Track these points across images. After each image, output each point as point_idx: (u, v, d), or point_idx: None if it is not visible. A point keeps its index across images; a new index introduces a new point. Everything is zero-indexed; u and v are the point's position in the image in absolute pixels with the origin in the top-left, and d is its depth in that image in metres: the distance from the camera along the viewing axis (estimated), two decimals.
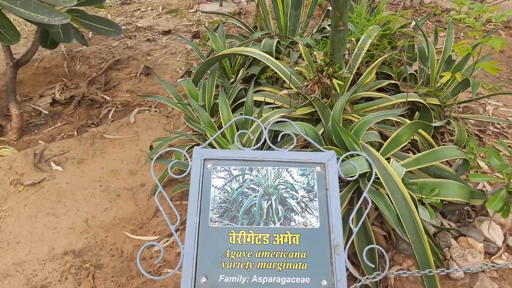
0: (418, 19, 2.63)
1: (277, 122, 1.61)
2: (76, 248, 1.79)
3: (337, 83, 1.59)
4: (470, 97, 2.05)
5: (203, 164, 1.26)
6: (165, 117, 2.77)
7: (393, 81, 2.05)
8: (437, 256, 1.49)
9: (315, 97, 1.67)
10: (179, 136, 2.06)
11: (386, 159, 1.58)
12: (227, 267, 1.13)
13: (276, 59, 2.45)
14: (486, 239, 1.64)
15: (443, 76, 2.04)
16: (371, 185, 1.51)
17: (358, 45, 1.84)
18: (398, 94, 1.93)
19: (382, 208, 1.35)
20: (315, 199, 1.23)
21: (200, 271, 1.12)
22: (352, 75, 1.81)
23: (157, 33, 4.28)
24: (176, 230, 1.81)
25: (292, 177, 1.27)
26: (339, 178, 1.27)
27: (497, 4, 4.96)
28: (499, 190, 1.35)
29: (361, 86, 1.86)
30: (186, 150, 1.96)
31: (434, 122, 2.13)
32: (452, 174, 1.61)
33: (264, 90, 2.14)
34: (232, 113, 2.13)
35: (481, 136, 2.46)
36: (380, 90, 2.25)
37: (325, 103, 1.73)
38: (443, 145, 2.31)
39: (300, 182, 1.26)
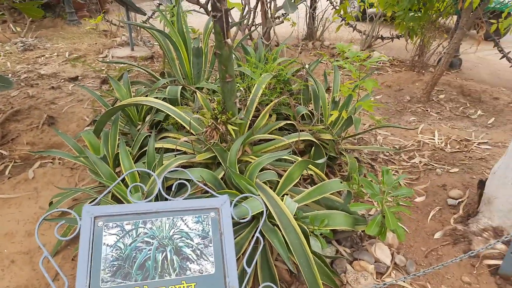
0: (309, 65, 2.93)
1: (179, 167, 1.65)
2: None
3: (232, 129, 1.70)
4: (354, 132, 2.30)
5: (93, 222, 1.24)
6: (69, 169, 2.64)
7: (290, 121, 2.23)
8: (334, 283, 1.60)
9: (214, 142, 1.75)
10: (77, 191, 1.98)
11: (284, 195, 1.70)
12: None
13: (181, 105, 2.53)
14: (376, 260, 1.82)
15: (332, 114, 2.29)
16: (270, 222, 1.61)
17: (252, 92, 1.99)
18: (294, 133, 2.10)
19: (275, 245, 1.44)
20: (210, 244, 1.28)
21: None
22: (249, 119, 1.94)
23: (62, 80, 4.12)
24: None
25: (187, 225, 1.30)
26: (235, 221, 1.33)
27: (383, 44, 5.68)
28: (375, 216, 1.52)
29: (258, 128, 2.00)
30: (89, 203, 1.88)
31: (327, 155, 2.35)
32: (341, 204, 1.78)
33: (169, 137, 2.17)
34: (137, 161, 2.12)
35: (373, 164, 2.76)
36: (281, 129, 2.44)
37: (225, 147, 1.82)
38: (341, 175, 2.54)
39: (195, 229, 1.30)
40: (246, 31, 4.51)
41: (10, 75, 4.17)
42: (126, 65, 4.19)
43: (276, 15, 4.76)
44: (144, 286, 1.17)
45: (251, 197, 1.45)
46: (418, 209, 2.34)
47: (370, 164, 2.75)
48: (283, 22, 4.72)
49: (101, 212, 1.26)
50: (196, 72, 2.63)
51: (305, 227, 1.56)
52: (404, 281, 1.75)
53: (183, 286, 1.19)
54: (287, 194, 1.72)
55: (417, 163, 2.80)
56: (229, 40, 1.41)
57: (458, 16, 4.44)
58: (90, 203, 1.88)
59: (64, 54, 4.91)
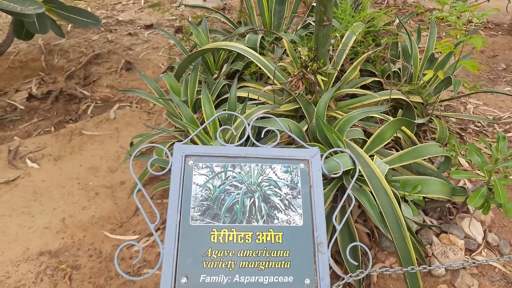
0: (402, 18, 2.65)
1: (261, 118, 1.58)
2: (52, 249, 1.72)
3: (322, 79, 1.57)
4: (452, 96, 2.06)
5: (184, 160, 1.22)
6: (147, 113, 2.70)
7: (377, 79, 2.05)
8: (419, 253, 1.49)
9: (299, 93, 1.65)
10: (160, 132, 2.01)
11: (370, 156, 1.57)
12: (209, 266, 1.10)
13: (260, 54, 2.43)
14: (467, 236, 1.66)
15: (425, 74, 2.06)
16: (355, 182, 1.50)
17: (342, 42, 1.83)
18: (382, 91, 1.93)
19: (366, 206, 1.34)
20: (299, 196, 1.21)
21: (181, 271, 1.08)
22: (337, 71, 1.80)
23: (138, 27, 4.18)
24: (157, 230, 1.77)
25: (276, 174, 1.24)
26: (323, 175, 1.25)
27: (477, 3, 5.06)
28: (480, 187, 1.36)
29: (345, 83, 1.85)
30: (167, 147, 1.91)
31: (417, 119, 2.15)
32: (434, 171, 1.61)
33: (248, 86, 2.10)
34: (215, 109, 2.09)
35: (462, 134, 2.50)
36: (364, 87, 2.25)
37: (310, 99, 1.71)
38: (426, 142, 2.33)
39: (283, 179, 1.24)
40: None
41: None
42: (201, 13, 4.13)
43: None
44: (232, 229, 1.15)
45: (341, 152, 1.35)
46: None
47: (459, 134, 2.49)
48: None
49: (192, 152, 1.24)
50: (277, 22, 2.49)
51: (396, 191, 1.43)
52: (497, 262, 1.58)
53: (271, 234, 1.15)
54: (374, 156, 1.59)
55: None
56: None
57: None
58: (169, 147, 1.90)
59: (140, 1, 4.96)
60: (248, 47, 2.20)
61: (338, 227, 1.17)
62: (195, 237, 1.12)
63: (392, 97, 1.82)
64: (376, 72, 2.26)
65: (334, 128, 1.52)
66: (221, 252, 1.12)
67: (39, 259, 1.68)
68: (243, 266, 1.11)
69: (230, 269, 1.10)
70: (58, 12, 1.93)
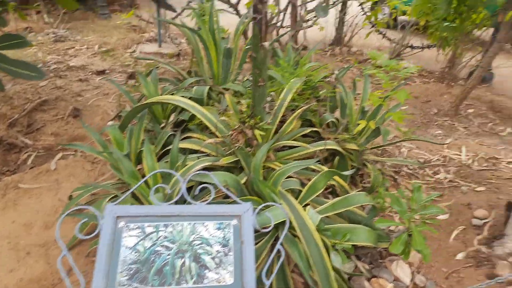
0: (340, 70, 2.87)
1: (203, 170, 1.63)
2: None
3: (259, 134, 1.66)
4: (380, 144, 2.23)
5: (116, 222, 1.23)
6: (91, 163, 2.66)
7: (315, 129, 2.19)
8: None
9: (239, 146, 1.72)
10: (97, 187, 1.99)
11: (305, 205, 1.65)
12: None
13: (207, 105, 2.51)
14: (396, 278, 1.75)
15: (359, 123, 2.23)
16: (291, 232, 1.56)
17: (281, 97, 1.96)
18: (320, 141, 2.05)
19: (295, 257, 1.40)
20: (230, 253, 1.25)
21: None
22: (275, 125, 1.91)
23: (90, 73, 4.18)
24: None
25: (208, 232, 1.27)
26: (256, 229, 1.30)
27: (412, 54, 5.55)
28: (401, 234, 1.46)
29: (283, 134, 1.96)
30: (108, 199, 1.89)
31: (352, 166, 2.29)
32: (364, 218, 1.72)
33: (193, 137, 2.16)
34: (159, 160, 2.11)
35: (396, 177, 2.67)
36: (305, 136, 2.39)
37: (249, 151, 1.79)
38: (362, 186, 2.47)
39: (216, 236, 1.27)
40: (275, 34, 4.48)
41: (40, 65, 4.27)
42: (153, 61, 4.21)
43: (306, 18, 4.70)
44: None
45: (274, 205, 1.41)
46: (441, 227, 2.25)
47: (393, 177, 2.66)
48: (312, 26, 4.66)
49: (124, 212, 1.24)
50: (224, 73, 2.61)
51: (327, 241, 1.51)
52: None
53: None
54: (309, 205, 1.68)
55: (441, 179, 2.70)
56: (266, 44, 1.38)
57: (495, 29, 4.28)
58: (109, 200, 1.88)
59: (93, 47, 4.99)
60: (194, 98, 2.28)
61: (267, 283, 1.21)
62: None
63: (327, 147, 1.94)
64: (315, 122, 2.41)
65: (270, 180, 1.59)
66: None
67: None
68: None
69: None
70: (0, 65, 1.92)
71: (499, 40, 3.24)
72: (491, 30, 4.57)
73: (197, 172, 1.36)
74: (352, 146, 2.33)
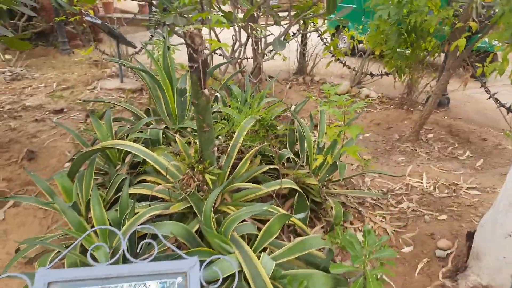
0: (298, 104, 2.91)
1: (153, 218, 1.56)
2: None
3: (210, 178, 1.62)
4: (339, 178, 2.23)
5: None
6: (44, 210, 2.51)
7: (273, 166, 2.17)
8: None
9: (191, 191, 1.67)
10: (49, 238, 1.87)
11: (263, 249, 1.60)
12: None
13: (165, 144, 2.46)
14: None
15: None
16: (244, 282, 1.50)
17: (234, 139, 1.94)
18: (276, 181, 2.02)
19: None
20: None
21: None
22: (229, 166, 1.87)
23: (47, 112, 4.04)
24: None
25: None
26: (203, 286, 1.23)
27: (372, 81, 5.73)
28: (357, 279, 1.43)
29: (238, 175, 1.93)
30: (55, 254, 1.77)
31: (314, 201, 2.27)
32: (323, 260, 1.68)
33: (147, 181, 2.09)
34: (112, 206, 2.02)
35: (360, 208, 2.68)
36: (266, 172, 2.36)
37: (202, 196, 1.73)
38: (326, 221, 2.45)
39: None
40: (237, 66, 4.54)
41: None
42: (117, 96, 4.14)
43: (266, 51, 4.79)
44: None
45: (221, 258, 1.35)
46: (406, 260, 2.25)
47: (357, 210, 2.66)
48: (273, 58, 4.75)
49: (57, 277, 1.15)
50: (181, 112, 2.58)
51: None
52: None
53: None
54: (265, 250, 1.63)
55: (405, 209, 2.72)
56: (206, 91, 1.36)
57: (445, 56, 4.50)
58: (56, 253, 1.76)
59: (52, 84, 4.86)
60: (150, 139, 2.23)
61: None
62: None
63: (284, 186, 1.92)
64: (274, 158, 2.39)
65: (221, 227, 1.54)
66: None
67: None
68: None
69: None
70: None
71: (447, 68, 3.40)
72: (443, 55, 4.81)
73: (140, 226, 1.29)
74: (312, 181, 2.32)
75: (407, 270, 2.16)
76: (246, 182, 1.98)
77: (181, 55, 5.20)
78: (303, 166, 2.43)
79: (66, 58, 6.45)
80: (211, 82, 3.06)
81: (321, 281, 1.49)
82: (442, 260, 2.23)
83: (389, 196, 2.87)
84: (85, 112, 4.08)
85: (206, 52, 1.29)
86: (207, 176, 1.60)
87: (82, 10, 5.21)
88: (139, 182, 2.14)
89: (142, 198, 2.00)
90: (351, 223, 2.52)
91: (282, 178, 2.19)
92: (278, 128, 2.53)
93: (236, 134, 1.93)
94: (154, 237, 1.58)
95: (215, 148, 1.62)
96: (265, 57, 4.92)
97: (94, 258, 1.51)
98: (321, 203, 2.43)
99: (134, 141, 2.47)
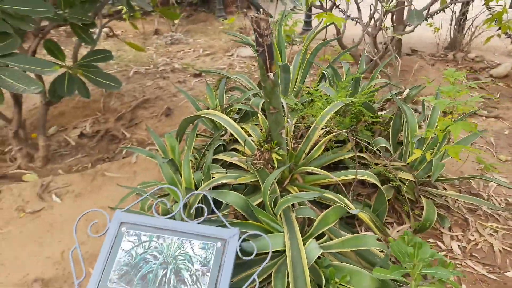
0: (412, 88, 2.60)
1: (213, 188, 1.75)
2: (45, 277, 2.03)
3: (276, 158, 1.68)
4: (431, 179, 1.97)
5: (119, 227, 1.43)
6: None
7: (360, 154, 2.07)
8: None
9: (260, 167, 1.77)
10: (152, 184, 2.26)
11: (317, 236, 1.62)
12: None
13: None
14: None
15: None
16: (283, 263, 1.55)
17: (316, 121, 1.91)
18: (351, 170, 1.93)
19: (275, 285, 1.39)
20: (208, 273, 1.33)
21: None
22: (305, 150, 1.88)
23: (189, 75, 4.65)
24: None
25: (193, 250, 1.38)
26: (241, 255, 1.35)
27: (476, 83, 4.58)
28: None
29: (312, 159, 1.91)
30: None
31: (408, 199, 2.10)
32: (382, 260, 1.58)
33: (238, 149, 2.27)
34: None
35: (468, 216, 2.31)
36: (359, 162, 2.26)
37: (271, 172, 1.81)
38: (418, 220, 2.22)
39: (198, 255, 1.36)
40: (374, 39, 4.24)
41: (151, 66, 4.93)
42: (250, 63, 4.44)
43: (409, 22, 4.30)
44: None
45: (259, 235, 1.42)
46: (505, 285, 1.89)
47: (464, 217, 2.31)
48: (413, 31, 4.25)
49: (128, 220, 1.44)
50: (284, 87, 2.64)
51: (323, 278, 1.45)
52: None
53: None
54: (318, 236, 1.62)
55: None
56: (271, 75, 1.39)
57: None
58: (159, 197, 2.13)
59: (199, 50, 5.51)
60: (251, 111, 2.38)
61: None
62: None
63: (359, 177, 1.83)
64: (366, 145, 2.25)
65: (276, 205, 1.60)
66: None
67: (32, 285, 2.00)
68: None
69: None
70: (87, 76, 2.35)
71: None
72: None
73: (204, 192, 1.47)
74: (406, 176, 2.12)
75: None
76: (324, 166, 1.95)
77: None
78: (401, 159, 2.23)
79: (217, 25, 7.11)
80: (330, 56, 2.98)
81: (366, 282, 1.42)
82: None
83: (500, 208, 2.38)
84: (218, 77, 4.53)
85: (272, 36, 1.30)
86: (274, 155, 1.66)
87: None
88: (232, 149, 2.34)
89: (231, 165, 2.20)
90: (450, 230, 2.22)
91: (373, 169, 2.08)
92: (380, 113, 2.35)
93: (318, 118, 1.90)
94: (219, 203, 1.76)
95: (283, 130, 1.65)
96: (407, 28, 4.44)
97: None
98: (414, 201, 2.21)
99: (239, 110, 2.69)
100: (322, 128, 1.92)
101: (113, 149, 3.41)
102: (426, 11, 3.95)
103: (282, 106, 1.62)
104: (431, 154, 2.04)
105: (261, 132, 2.11)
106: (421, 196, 2.15)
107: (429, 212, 2.03)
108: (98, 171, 2.86)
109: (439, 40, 5.50)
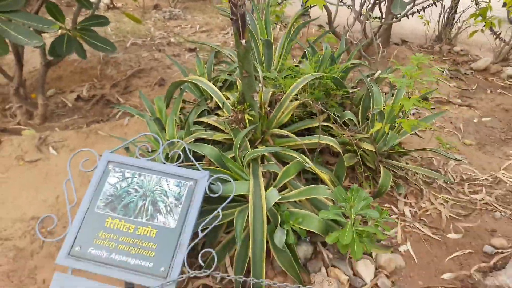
0: (383, 71, 2.83)
1: (194, 141, 1.99)
2: (41, 216, 2.28)
3: (248, 119, 1.91)
4: (405, 149, 2.22)
5: (107, 165, 1.67)
6: None
7: (326, 123, 2.31)
8: (299, 278, 1.72)
9: (235, 126, 2.01)
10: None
11: (282, 187, 1.87)
12: (97, 243, 1.52)
13: None
14: (355, 273, 1.84)
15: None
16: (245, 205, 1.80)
17: (288, 91, 2.15)
18: (315, 135, 2.17)
19: (237, 225, 1.64)
20: (179, 206, 1.58)
21: (77, 242, 1.51)
22: (279, 113, 2.12)
23: (183, 50, 4.84)
24: None
25: (168, 186, 1.62)
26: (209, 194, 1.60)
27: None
28: (345, 227, 1.56)
29: (279, 123, 2.15)
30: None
31: (368, 167, 2.35)
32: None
33: (220, 115, 2.50)
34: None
35: (423, 187, 2.57)
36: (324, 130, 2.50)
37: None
38: (375, 186, 2.48)
39: (173, 191, 1.61)
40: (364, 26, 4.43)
41: (149, 39, 5.10)
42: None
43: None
44: (122, 220, 1.55)
45: (227, 180, 1.67)
46: (446, 245, 2.17)
47: (420, 188, 2.58)
48: (399, 21, 4.45)
49: (114, 159, 1.68)
50: (267, 62, 2.86)
51: (279, 219, 1.71)
52: None
53: (148, 229, 1.54)
54: (281, 188, 1.87)
55: (476, 200, 2.50)
56: (243, 41, 1.62)
57: None
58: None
59: (195, 26, 5.67)
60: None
61: (201, 235, 1.51)
62: (95, 220, 1.55)
63: (322, 142, 2.07)
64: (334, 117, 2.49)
65: (243, 157, 1.85)
66: (109, 235, 1.53)
67: (29, 222, 2.25)
68: (120, 248, 1.50)
69: (111, 247, 1.50)
70: (85, 38, 2.55)
71: None
72: None
73: (186, 144, 1.71)
74: (368, 146, 2.37)
75: (440, 253, 2.10)
76: (295, 133, 2.19)
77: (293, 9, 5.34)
78: (367, 133, 2.47)
79: (217, 3, 7.23)
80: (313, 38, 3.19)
81: (315, 223, 1.68)
82: (486, 256, 2.08)
83: (465, 184, 2.65)
84: (210, 52, 4.72)
85: (247, 6, 1.50)
86: (246, 116, 1.90)
87: None
88: (216, 114, 2.57)
89: (214, 128, 2.44)
90: (405, 197, 2.49)
91: (338, 137, 2.32)
92: (352, 91, 2.58)
93: (291, 87, 2.14)
94: (197, 156, 2.00)
95: (255, 93, 1.88)
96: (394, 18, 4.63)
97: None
98: (375, 170, 2.47)
99: (225, 80, 2.91)
100: (296, 99, 2.15)
101: (107, 113, 3.63)
102: (412, 2, 4.14)
103: (256, 71, 1.84)
104: (390, 128, 2.29)
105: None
106: (380, 165, 2.40)
107: (385, 179, 2.28)
108: (92, 130, 3.09)
109: (427, 33, 5.70)
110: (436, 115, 2.57)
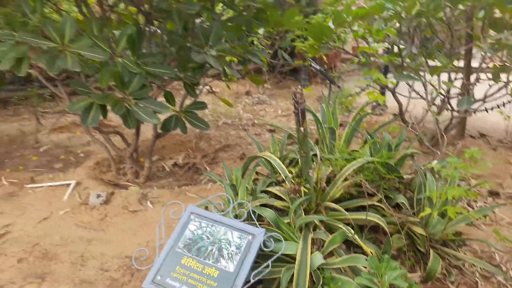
0: (440, 162, 3.03)
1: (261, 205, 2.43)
2: (132, 256, 2.85)
3: (304, 191, 2.31)
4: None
5: (189, 215, 2.18)
6: None
7: (377, 203, 2.57)
8: None
9: (293, 196, 2.41)
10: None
11: (330, 254, 2.17)
12: (173, 275, 1.97)
13: None
14: None
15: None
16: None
17: (342, 171, 2.52)
18: (363, 212, 2.44)
19: (283, 279, 1.96)
20: (239, 254, 1.98)
21: (159, 272, 1.99)
22: (334, 188, 2.49)
23: (264, 130, 5.54)
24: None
25: (232, 237, 2.05)
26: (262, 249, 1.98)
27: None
28: None
29: (330, 198, 2.49)
30: None
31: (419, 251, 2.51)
32: None
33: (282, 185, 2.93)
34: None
35: (478, 279, 2.56)
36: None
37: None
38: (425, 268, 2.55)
39: (235, 241, 2.03)
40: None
41: (237, 119, 5.96)
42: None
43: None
44: (194, 260, 2.00)
45: (278, 239, 2.04)
46: None
47: (475, 280, 2.57)
48: (470, 115, 4.59)
49: (195, 211, 2.19)
50: (330, 146, 3.29)
51: (321, 281, 1.99)
52: None
53: (212, 270, 1.95)
54: (325, 253, 2.16)
55: None
56: (301, 128, 2.10)
57: None
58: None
59: (278, 111, 6.45)
60: None
61: (252, 281, 1.87)
62: (175, 257, 2.03)
63: (369, 218, 2.34)
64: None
65: (297, 222, 2.21)
66: (183, 270, 1.97)
67: (124, 259, 2.82)
68: (189, 282, 1.93)
69: (183, 280, 1.94)
70: (187, 119, 3.31)
71: None
72: None
73: (246, 201, 2.17)
74: (419, 230, 2.54)
75: None
76: (346, 207, 2.50)
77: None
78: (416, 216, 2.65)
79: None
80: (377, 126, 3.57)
81: (351, 286, 1.92)
82: None
83: None
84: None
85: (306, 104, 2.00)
86: (302, 188, 2.30)
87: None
88: (281, 185, 3.01)
89: (278, 197, 2.86)
90: (457, 287, 2.51)
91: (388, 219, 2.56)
92: (406, 177, 2.83)
93: (345, 168, 2.51)
94: (260, 217, 2.41)
95: (311, 170, 2.30)
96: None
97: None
98: (426, 254, 2.58)
99: (293, 158, 3.39)
100: (351, 178, 2.49)
101: (196, 178, 4.31)
102: (483, 98, 4.31)
103: (314, 153, 2.27)
104: (439, 214, 2.46)
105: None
106: (431, 250, 2.52)
107: (433, 264, 2.39)
108: (182, 191, 3.74)
109: (507, 127, 5.62)
110: (493, 207, 2.64)
